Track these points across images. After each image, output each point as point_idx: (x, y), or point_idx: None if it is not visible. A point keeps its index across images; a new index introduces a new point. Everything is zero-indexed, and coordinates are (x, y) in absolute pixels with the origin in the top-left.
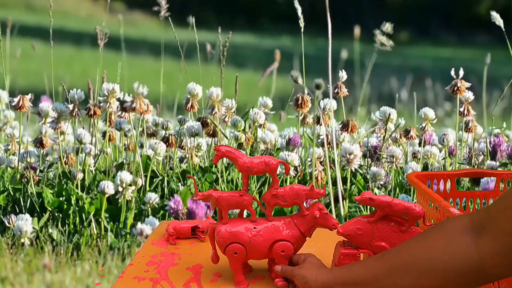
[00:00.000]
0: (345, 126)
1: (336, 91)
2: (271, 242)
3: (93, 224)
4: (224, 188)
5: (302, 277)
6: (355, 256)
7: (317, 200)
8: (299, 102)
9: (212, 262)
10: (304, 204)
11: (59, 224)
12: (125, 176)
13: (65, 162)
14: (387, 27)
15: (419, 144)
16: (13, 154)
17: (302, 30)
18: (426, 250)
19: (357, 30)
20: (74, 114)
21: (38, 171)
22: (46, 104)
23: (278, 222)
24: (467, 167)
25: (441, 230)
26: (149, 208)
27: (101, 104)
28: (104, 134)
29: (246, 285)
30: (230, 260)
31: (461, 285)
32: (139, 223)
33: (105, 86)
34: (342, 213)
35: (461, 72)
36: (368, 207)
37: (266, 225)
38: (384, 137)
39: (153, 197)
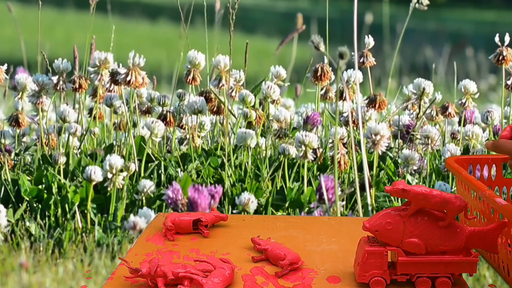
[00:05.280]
0: (372, 102)
1: (361, 60)
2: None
3: (78, 216)
4: (231, 174)
5: None
6: (381, 254)
7: None
8: (319, 74)
9: None
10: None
11: (38, 216)
12: (115, 160)
13: (45, 143)
14: None
15: (459, 123)
16: None
17: None
18: None
19: None
20: (58, 88)
21: (13, 154)
22: (23, 76)
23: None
24: None
25: None
26: (144, 198)
27: (92, 76)
28: (90, 111)
29: None
30: None
31: None
32: (131, 215)
33: (96, 55)
34: (369, 204)
35: (507, 38)
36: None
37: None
38: (418, 114)
39: (148, 185)
